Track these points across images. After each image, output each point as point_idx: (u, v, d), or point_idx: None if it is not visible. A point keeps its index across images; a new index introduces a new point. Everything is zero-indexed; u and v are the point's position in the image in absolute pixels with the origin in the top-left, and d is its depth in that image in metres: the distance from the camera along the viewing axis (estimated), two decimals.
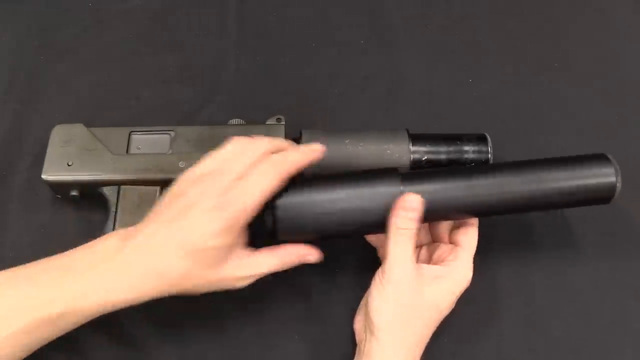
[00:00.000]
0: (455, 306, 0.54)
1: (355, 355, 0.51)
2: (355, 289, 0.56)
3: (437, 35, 0.71)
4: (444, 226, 0.54)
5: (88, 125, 0.59)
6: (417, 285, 0.49)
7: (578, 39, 0.71)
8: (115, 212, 0.56)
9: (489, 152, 0.57)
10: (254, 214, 0.46)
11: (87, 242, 0.48)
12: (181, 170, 0.51)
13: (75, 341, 0.56)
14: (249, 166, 0.46)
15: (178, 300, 0.57)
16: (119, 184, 0.56)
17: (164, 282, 0.45)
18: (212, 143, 0.56)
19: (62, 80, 0.68)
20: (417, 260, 0.53)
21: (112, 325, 0.56)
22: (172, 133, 0.58)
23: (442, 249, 0.53)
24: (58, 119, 0.60)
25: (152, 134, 0.59)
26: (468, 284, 0.51)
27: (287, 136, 0.58)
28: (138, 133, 0.59)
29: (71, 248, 0.57)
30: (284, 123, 0.59)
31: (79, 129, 0.59)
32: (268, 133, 0.57)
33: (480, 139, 0.57)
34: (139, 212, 0.54)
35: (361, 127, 0.63)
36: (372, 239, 0.56)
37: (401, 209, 0.48)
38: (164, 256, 0.45)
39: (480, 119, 0.66)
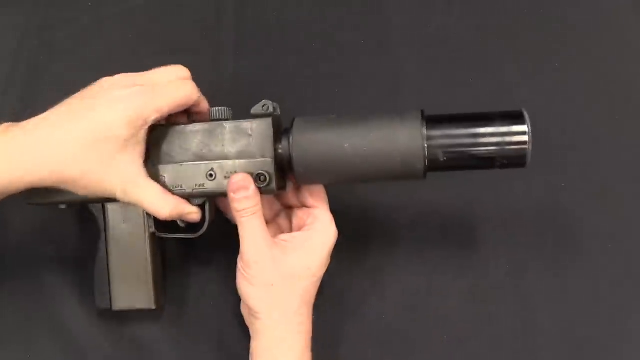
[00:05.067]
0: (454, 303, 0.54)
1: (251, 338, 0.52)
2: None
3: (437, 35, 0.71)
4: (290, 192, 0.54)
5: None
6: (275, 259, 0.49)
7: (578, 39, 0.71)
8: (105, 229, 0.55)
9: (526, 132, 0.46)
10: (159, 119, 0.48)
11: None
12: (164, 185, 0.51)
13: (74, 341, 0.56)
14: (166, 82, 0.50)
15: (179, 302, 0.57)
16: (102, 201, 0.54)
17: (57, 171, 0.46)
18: (191, 147, 0.52)
19: (62, 80, 0.68)
20: (279, 231, 0.54)
21: (112, 325, 0.56)
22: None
23: (298, 215, 0.53)
24: None
25: None
26: (335, 239, 0.51)
27: (281, 126, 0.53)
28: None
29: (71, 248, 0.57)
30: (271, 116, 0.52)
31: None
32: (253, 129, 0.51)
33: (515, 117, 0.47)
34: (128, 229, 0.54)
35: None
36: (230, 216, 0.56)
37: (232, 192, 0.49)
38: (62, 147, 0.46)
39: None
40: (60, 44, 0.70)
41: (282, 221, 0.56)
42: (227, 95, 0.67)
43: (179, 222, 0.54)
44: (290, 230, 0.54)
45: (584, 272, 0.59)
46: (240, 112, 0.61)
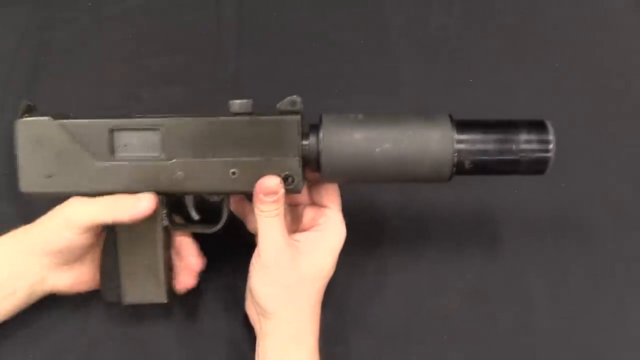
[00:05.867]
0: (454, 304, 0.54)
1: (257, 337, 0.52)
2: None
3: (437, 36, 0.71)
4: (303, 190, 0.52)
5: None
6: (293, 260, 0.49)
7: (578, 39, 0.71)
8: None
9: (550, 140, 0.49)
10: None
11: None
12: (180, 181, 0.49)
13: (78, 338, 0.56)
14: None
15: (185, 299, 0.57)
16: (111, 194, 0.51)
17: None
18: (211, 142, 0.49)
19: (62, 80, 0.68)
20: (288, 230, 0.53)
21: (116, 322, 0.56)
22: (161, 128, 0.50)
23: (309, 214, 0.53)
24: None
25: (138, 130, 0.50)
26: (343, 241, 0.51)
27: (304, 123, 0.51)
28: (120, 130, 0.50)
29: None
30: (299, 114, 0.49)
31: (48, 125, 0.50)
32: (280, 127, 0.49)
33: (540, 126, 0.49)
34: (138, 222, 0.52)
35: None
36: (237, 210, 0.55)
37: (261, 194, 0.48)
38: None
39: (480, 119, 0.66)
40: (60, 44, 0.70)
41: (288, 218, 0.54)
42: (227, 95, 0.67)
43: (192, 214, 0.53)
44: (297, 227, 0.54)
45: (584, 273, 0.59)
46: None
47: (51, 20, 0.72)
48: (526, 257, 0.60)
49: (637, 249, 0.60)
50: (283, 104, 0.49)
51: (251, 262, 0.50)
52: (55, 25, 0.72)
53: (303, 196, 0.53)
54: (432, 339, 0.57)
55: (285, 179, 0.49)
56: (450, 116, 0.48)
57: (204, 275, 0.59)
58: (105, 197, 0.50)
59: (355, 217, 0.61)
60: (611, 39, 0.71)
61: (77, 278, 0.53)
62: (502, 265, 0.60)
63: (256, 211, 0.49)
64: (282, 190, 0.48)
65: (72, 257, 0.52)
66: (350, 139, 0.48)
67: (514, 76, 0.69)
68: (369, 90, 0.68)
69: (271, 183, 0.48)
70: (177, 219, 0.55)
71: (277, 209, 0.48)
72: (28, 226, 0.52)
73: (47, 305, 0.56)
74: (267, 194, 0.48)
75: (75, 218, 0.49)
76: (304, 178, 0.50)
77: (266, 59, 0.70)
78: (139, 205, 0.49)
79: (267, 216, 0.48)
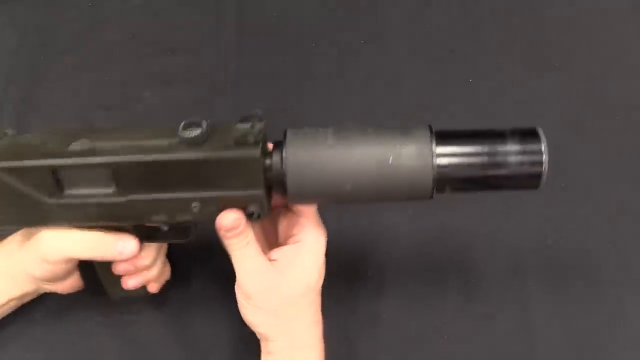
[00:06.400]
0: (455, 305, 0.54)
1: (262, 349, 0.51)
2: None
3: (436, 35, 0.71)
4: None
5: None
6: (276, 283, 0.47)
7: (578, 39, 0.71)
8: None
9: (542, 151, 0.42)
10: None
11: None
12: (140, 214, 0.46)
13: (75, 338, 0.56)
14: None
15: (184, 300, 0.57)
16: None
17: None
18: (164, 180, 0.44)
19: (62, 80, 0.68)
20: (269, 239, 0.51)
21: (113, 321, 0.56)
22: (110, 169, 0.44)
23: (284, 224, 0.50)
24: (58, 119, 0.60)
25: (84, 169, 0.44)
26: (325, 241, 0.49)
27: (267, 141, 0.45)
28: (65, 171, 0.44)
29: None
30: (259, 145, 0.43)
31: None
32: (238, 163, 0.43)
33: (531, 135, 0.43)
34: None
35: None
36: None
37: (221, 230, 0.45)
38: None
39: (480, 119, 0.66)
40: (60, 44, 0.71)
41: (270, 225, 0.53)
42: (227, 95, 0.68)
43: (161, 225, 0.50)
44: (275, 233, 0.52)
45: (583, 274, 0.59)
46: (240, 112, 0.62)
47: (51, 20, 0.72)
48: (526, 257, 0.60)
49: (638, 249, 0.60)
50: (240, 138, 0.43)
51: (236, 293, 0.49)
52: (55, 25, 0.72)
53: (277, 200, 0.49)
54: (432, 339, 0.57)
55: (250, 215, 0.45)
56: (431, 128, 0.43)
57: (204, 275, 0.59)
58: (83, 234, 0.47)
59: (354, 217, 0.61)
60: (611, 39, 0.71)
61: (71, 285, 0.53)
62: (501, 265, 0.60)
63: (224, 244, 0.47)
64: (243, 223, 0.45)
65: (58, 279, 0.51)
66: (319, 170, 0.43)
67: (514, 76, 0.68)
68: (369, 90, 0.68)
69: (228, 221, 0.45)
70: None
71: (243, 240, 0.46)
72: (11, 247, 0.51)
73: (47, 305, 0.56)
74: (227, 230, 0.45)
75: (49, 253, 0.47)
76: (270, 195, 0.46)
77: (266, 59, 0.70)
78: (124, 251, 0.48)
79: (236, 249, 0.46)
